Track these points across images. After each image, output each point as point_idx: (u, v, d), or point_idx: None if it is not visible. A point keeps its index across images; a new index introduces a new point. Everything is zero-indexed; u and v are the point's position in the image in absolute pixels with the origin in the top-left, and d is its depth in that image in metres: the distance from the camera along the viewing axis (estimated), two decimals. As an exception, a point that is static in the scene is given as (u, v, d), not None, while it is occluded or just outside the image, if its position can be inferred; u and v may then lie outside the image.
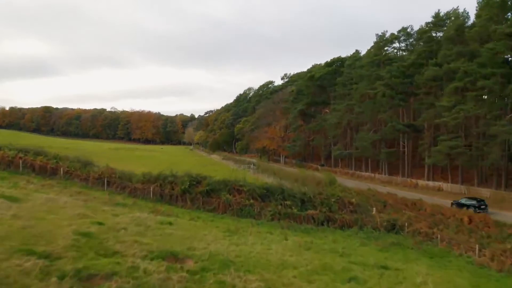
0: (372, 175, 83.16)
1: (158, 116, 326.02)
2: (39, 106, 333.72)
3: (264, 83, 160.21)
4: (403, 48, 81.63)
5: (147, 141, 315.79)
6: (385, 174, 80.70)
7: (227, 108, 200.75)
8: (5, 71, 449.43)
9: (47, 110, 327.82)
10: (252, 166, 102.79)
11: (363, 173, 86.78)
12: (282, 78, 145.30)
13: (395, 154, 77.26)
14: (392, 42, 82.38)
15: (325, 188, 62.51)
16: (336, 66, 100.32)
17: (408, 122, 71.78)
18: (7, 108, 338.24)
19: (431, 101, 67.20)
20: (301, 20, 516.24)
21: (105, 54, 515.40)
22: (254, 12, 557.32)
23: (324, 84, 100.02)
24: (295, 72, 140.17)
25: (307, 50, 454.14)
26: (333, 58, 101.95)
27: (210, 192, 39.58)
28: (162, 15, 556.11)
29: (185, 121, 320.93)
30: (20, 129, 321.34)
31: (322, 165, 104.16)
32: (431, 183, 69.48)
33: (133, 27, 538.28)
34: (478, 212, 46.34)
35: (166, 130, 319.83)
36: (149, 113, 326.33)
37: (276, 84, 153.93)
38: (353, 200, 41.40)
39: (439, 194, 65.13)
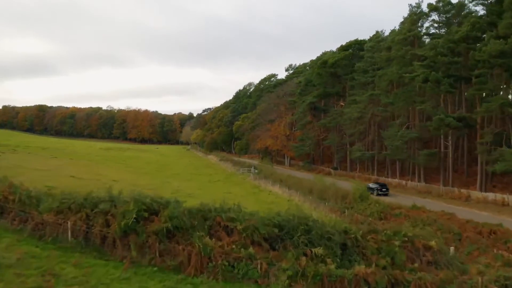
0: (403, 182, 64.82)
1: (155, 114, 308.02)
2: (33, 104, 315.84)
3: (266, 76, 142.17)
4: (443, 21, 63.07)
5: (144, 141, 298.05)
6: (420, 182, 62.37)
7: (226, 105, 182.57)
8: (5, 70, 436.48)
9: (41, 109, 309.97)
10: (252, 169, 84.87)
11: (390, 180, 68.36)
12: (287, 70, 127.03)
13: (435, 156, 58.81)
14: (428, 16, 64.01)
15: (357, 206, 44.84)
16: (354, 50, 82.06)
17: (460, 114, 52.99)
18: (0, 107, 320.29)
19: (493, 86, 49.07)
20: (304, 16, 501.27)
21: (106, 53, 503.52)
22: (256, 9, 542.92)
23: (338, 72, 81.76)
24: (302, 63, 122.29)
25: (310, 47, 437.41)
26: (350, 41, 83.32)
27: (175, 233, 20.82)
28: (163, 13, 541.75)
29: (184, 120, 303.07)
30: (13, 128, 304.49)
31: (335, 169, 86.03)
32: (490, 195, 50.95)
33: (134, 25, 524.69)
34: (379, 195, 53.52)
35: (163, 130, 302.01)
36: (145, 111, 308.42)
37: (279, 77, 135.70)
38: (433, 243, 23.07)
39: (505, 211, 46.86)
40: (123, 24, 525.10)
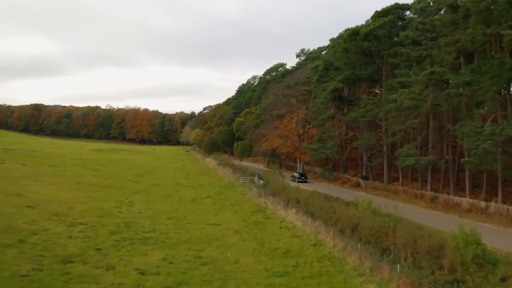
0: (482, 204, 41.31)
1: (155, 114, 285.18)
2: (29, 103, 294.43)
3: (273, 65, 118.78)
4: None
5: (143, 141, 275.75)
6: (504, 203, 38.81)
7: (227, 102, 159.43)
8: (9, 69, 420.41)
9: (36, 108, 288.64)
10: (256, 180, 61.88)
11: (455, 198, 44.91)
12: (298, 56, 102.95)
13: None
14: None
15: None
16: (394, 17, 58.50)
17: None
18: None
19: None
20: (309, 14, 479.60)
21: (111, 53, 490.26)
22: (261, 8, 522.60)
23: (372, 48, 58.27)
24: (316, 47, 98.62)
25: (317, 45, 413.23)
26: (387, 6, 59.66)
27: None
28: (168, 12, 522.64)
29: (185, 119, 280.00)
30: (8, 128, 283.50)
31: (365, 178, 62.76)
32: None
33: (139, 25, 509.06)
34: (300, 182, 63.52)
35: (163, 129, 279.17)
36: (145, 111, 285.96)
37: (289, 67, 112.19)
38: None
39: None
40: (128, 24, 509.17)
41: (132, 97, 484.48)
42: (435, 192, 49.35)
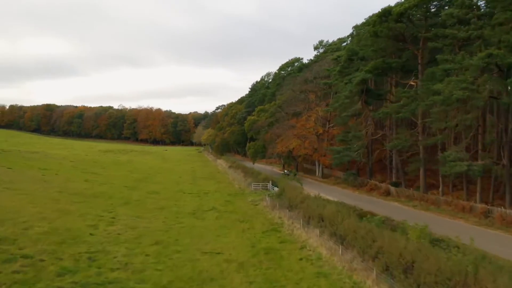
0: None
1: (168, 114, 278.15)
2: (40, 104, 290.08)
3: (288, 60, 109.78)
4: None
5: (156, 142, 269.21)
6: None
7: (240, 100, 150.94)
8: (25, 70, 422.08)
9: (48, 108, 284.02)
10: (270, 186, 53.51)
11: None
12: (316, 48, 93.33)
13: None
14: None
15: None
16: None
17: None
18: (7, 107, 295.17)
19: None
20: (327, 12, 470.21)
21: (126, 53, 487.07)
22: (276, 7, 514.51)
23: (406, 31, 49.09)
24: (336, 38, 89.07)
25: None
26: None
27: None
28: (183, 13, 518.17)
29: (198, 119, 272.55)
30: (20, 128, 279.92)
31: (396, 185, 53.73)
32: None
33: (154, 25, 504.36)
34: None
35: (176, 130, 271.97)
36: (157, 110, 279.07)
37: (306, 61, 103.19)
38: None
39: None
40: (143, 24, 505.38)
41: (147, 98, 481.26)
42: (486, 204, 40.22)
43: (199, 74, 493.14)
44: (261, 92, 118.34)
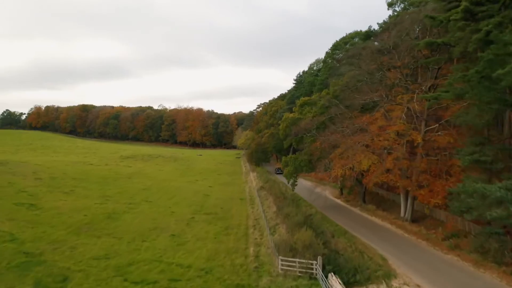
0: None
1: (209, 114, 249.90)
2: (76, 104, 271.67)
3: (345, 35, 76.66)
4: None
5: (195, 144, 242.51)
6: None
7: (282, 96, 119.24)
8: (79, 73, 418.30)
9: (84, 109, 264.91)
10: (319, 272, 21.21)
11: None
12: (391, 4, 58.05)
13: None
14: None
15: None
16: None
17: None
18: (43, 108, 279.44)
19: None
20: (384, 7, 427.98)
21: (177, 54, 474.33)
22: (331, 4, 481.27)
23: None
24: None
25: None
26: None
27: None
28: (235, 11, 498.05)
29: (242, 120, 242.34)
30: (55, 130, 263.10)
31: None
32: None
33: (205, 25, 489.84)
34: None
35: (217, 131, 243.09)
36: (198, 110, 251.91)
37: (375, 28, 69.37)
38: None
39: None
40: (194, 25, 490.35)
41: (199, 99, 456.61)
42: None
43: (250, 74, 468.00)
44: (307, 81, 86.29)
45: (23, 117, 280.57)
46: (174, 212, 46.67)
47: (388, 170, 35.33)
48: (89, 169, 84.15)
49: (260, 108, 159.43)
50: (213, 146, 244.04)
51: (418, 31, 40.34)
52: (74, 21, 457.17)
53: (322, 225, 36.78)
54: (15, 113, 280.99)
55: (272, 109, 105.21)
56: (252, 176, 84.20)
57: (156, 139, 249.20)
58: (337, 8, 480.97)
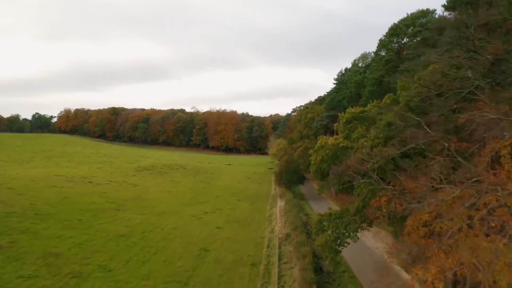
0: None
1: (243, 117, 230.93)
2: (106, 107, 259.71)
3: (407, 15, 54.94)
4: None
5: (228, 150, 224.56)
6: None
7: (319, 99, 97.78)
8: (118, 74, 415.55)
9: (113, 112, 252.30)
10: None
11: None
12: None
13: None
14: None
15: None
16: None
17: None
18: (72, 111, 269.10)
19: None
20: (427, 3, 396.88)
21: (214, 55, 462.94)
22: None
23: None
24: None
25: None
26: None
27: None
28: (274, 10, 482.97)
29: (278, 122, 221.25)
30: (84, 134, 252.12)
31: None
32: None
33: (244, 25, 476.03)
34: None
35: (251, 136, 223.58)
36: (231, 113, 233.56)
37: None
38: None
39: None
40: (232, 25, 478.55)
41: (238, 100, 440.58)
42: None
43: (289, 74, 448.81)
44: (353, 81, 64.69)
45: (54, 120, 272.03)
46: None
47: None
48: (76, 193, 66.23)
49: (295, 113, 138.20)
50: (247, 151, 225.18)
51: None
52: (109, 22, 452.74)
53: None
54: (45, 116, 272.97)
55: (308, 116, 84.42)
56: (280, 206, 63.67)
57: (187, 144, 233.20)
58: (377, 3, 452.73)
